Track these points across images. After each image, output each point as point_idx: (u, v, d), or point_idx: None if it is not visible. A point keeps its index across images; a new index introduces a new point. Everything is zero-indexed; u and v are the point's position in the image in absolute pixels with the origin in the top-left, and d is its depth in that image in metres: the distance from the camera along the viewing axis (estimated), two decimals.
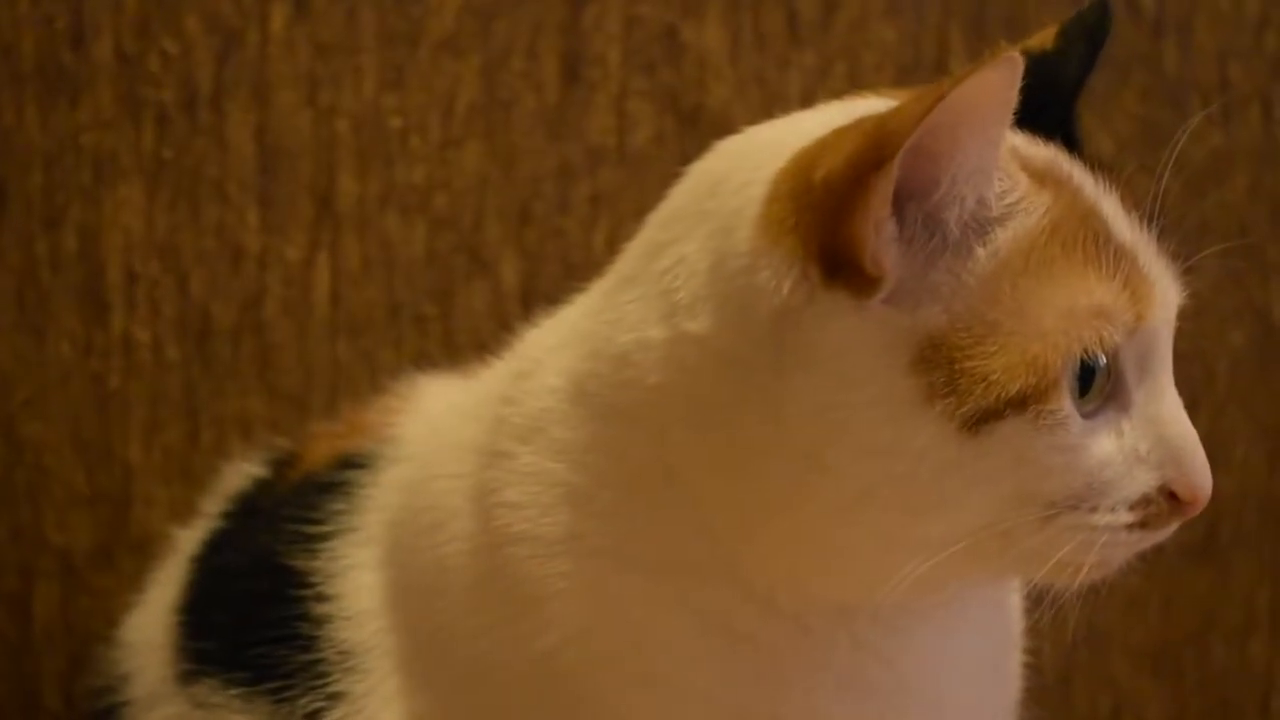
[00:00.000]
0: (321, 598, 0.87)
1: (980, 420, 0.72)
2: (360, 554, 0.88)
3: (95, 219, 1.13)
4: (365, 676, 0.86)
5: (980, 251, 0.74)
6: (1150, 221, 0.79)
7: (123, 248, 1.14)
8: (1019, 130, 0.78)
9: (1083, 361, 0.72)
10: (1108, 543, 0.75)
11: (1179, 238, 0.78)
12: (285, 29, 1.14)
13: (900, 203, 0.71)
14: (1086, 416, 0.73)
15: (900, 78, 1.21)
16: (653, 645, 0.81)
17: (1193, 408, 1.15)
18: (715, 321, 0.77)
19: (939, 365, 0.73)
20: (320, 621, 0.86)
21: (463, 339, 1.18)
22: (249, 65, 1.13)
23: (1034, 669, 1.21)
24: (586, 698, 0.82)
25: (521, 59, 1.17)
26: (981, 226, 0.74)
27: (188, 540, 0.95)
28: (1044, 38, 0.83)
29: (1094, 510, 0.74)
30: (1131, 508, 0.74)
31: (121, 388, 1.14)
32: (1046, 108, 0.80)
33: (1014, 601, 0.87)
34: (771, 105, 1.14)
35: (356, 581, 0.87)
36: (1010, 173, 0.75)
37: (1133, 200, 0.78)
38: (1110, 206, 0.77)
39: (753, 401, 0.76)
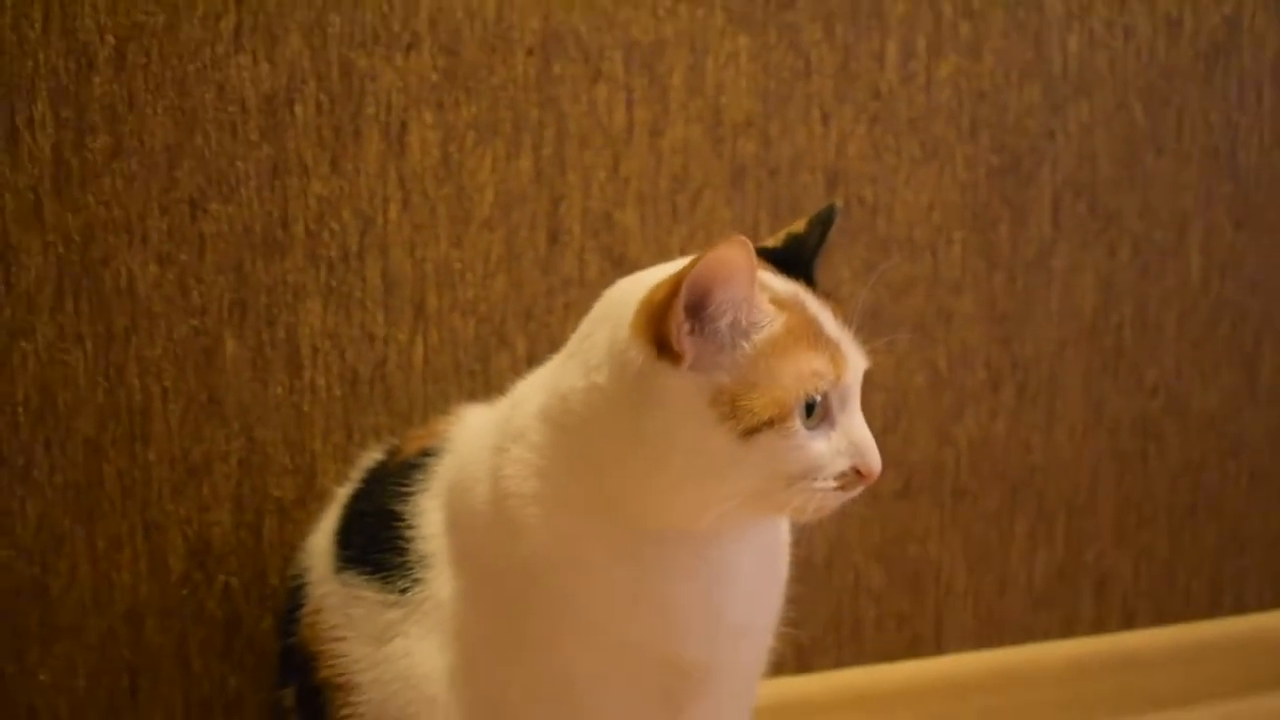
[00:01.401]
0: (411, 526, 1.03)
1: (749, 433, 0.87)
2: (431, 503, 1.03)
3: (294, 320, 1.30)
4: (431, 569, 1.01)
5: (745, 345, 0.89)
6: (850, 323, 0.94)
7: (309, 335, 1.31)
8: (778, 273, 0.93)
9: (808, 400, 0.88)
10: (824, 498, 0.90)
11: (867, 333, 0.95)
12: (397, 216, 1.32)
13: (695, 315, 0.87)
14: (810, 429, 0.88)
15: None
16: (583, 554, 0.94)
17: (897, 416, 1.40)
18: (609, 377, 0.91)
19: (725, 403, 0.88)
20: (409, 539, 1.02)
21: (495, 385, 1.28)
22: (377, 235, 1.32)
23: (809, 561, 1.43)
24: (547, 584, 0.95)
25: (527, 230, 1.36)
26: (743, 332, 0.89)
27: (341, 493, 1.14)
28: (798, 224, 1.00)
29: (814, 480, 0.89)
30: (835, 479, 0.90)
31: (309, 411, 1.32)
32: (798, 261, 0.97)
33: (783, 528, 1.03)
34: (663, 256, 1.32)
35: (429, 518, 1.02)
36: (761, 303, 0.89)
37: (842, 311, 0.94)
38: (825, 316, 0.92)
39: (626, 423, 0.90)
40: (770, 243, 1.00)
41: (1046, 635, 1.62)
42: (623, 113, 1.39)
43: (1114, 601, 1.66)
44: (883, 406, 1.52)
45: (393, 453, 1.13)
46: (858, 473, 0.90)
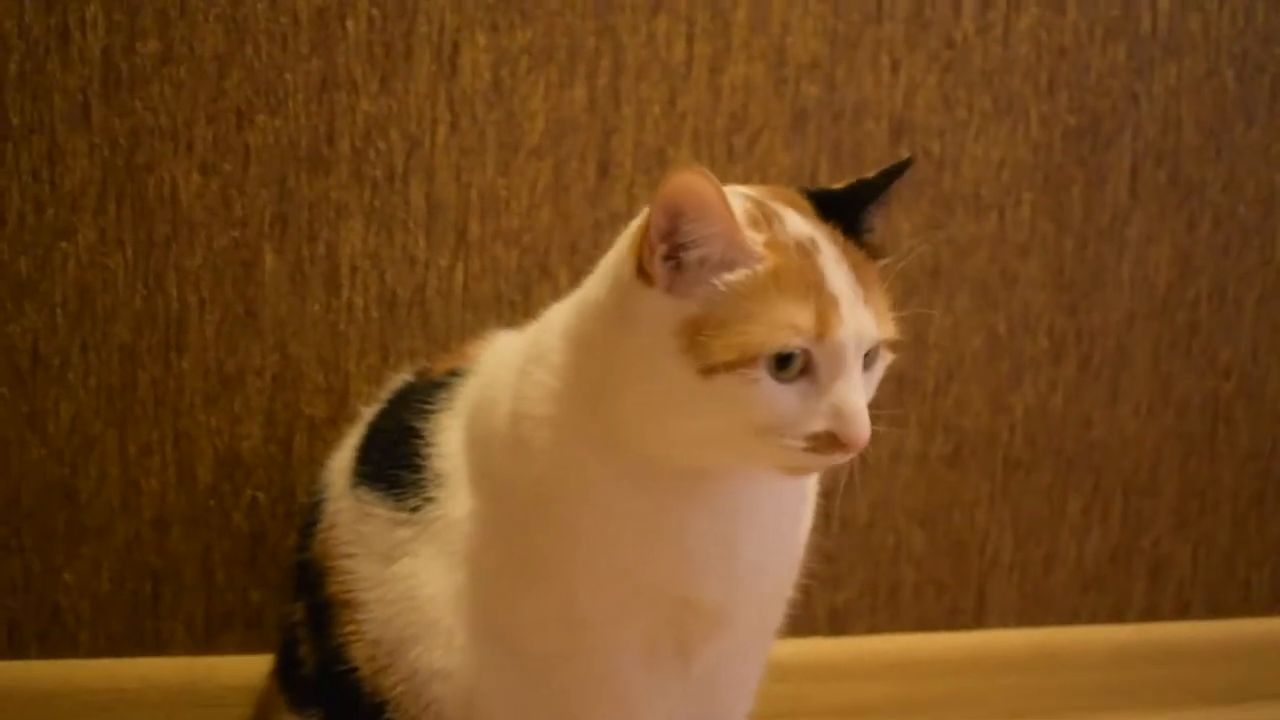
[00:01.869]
0: (429, 444, 1.01)
1: (707, 371, 0.85)
2: (452, 421, 1.02)
3: (335, 238, 1.30)
4: (446, 488, 1.00)
5: (717, 281, 0.86)
6: (882, 285, 0.89)
7: (349, 254, 1.30)
8: (815, 216, 0.90)
9: (780, 351, 0.84)
10: (794, 457, 0.86)
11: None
12: (445, 138, 1.31)
13: (668, 241, 0.86)
14: (783, 383, 0.85)
15: (791, 183, 1.24)
16: (591, 483, 0.93)
17: (950, 379, 1.37)
18: (607, 291, 0.92)
19: (688, 335, 0.86)
20: (426, 456, 1.01)
21: (534, 316, 1.19)
22: (423, 157, 1.31)
23: (849, 519, 1.41)
24: (558, 512, 0.95)
25: (576, 161, 1.34)
26: (715, 268, 0.86)
27: (367, 413, 1.12)
28: (847, 182, 0.96)
29: (781, 436, 0.86)
30: (807, 440, 0.86)
31: (345, 330, 1.31)
32: (848, 206, 0.92)
33: (809, 481, 1.00)
34: None
35: (448, 435, 1.02)
36: (741, 241, 0.85)
37: (874, 271, 0.89)
38: (836, 270, 0.87)
39: (613, 340, 0.90)
40: (836, 186, 0.97)
41: (1093, 618, 1.57)
42: (683, 46, 1.35)
43: (1168, 589, 1.61)
44: (936, 367, 1.47)
45: (422, 374, 1.13)
46: (835, 439, 0.86)
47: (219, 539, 1.32)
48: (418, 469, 1.01)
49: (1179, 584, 1.61)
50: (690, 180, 0.84)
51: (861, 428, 0.85)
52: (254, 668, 1.28)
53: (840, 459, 0.87)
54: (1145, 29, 1.47)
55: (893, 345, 0.91)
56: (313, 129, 1.28)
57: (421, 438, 1.02)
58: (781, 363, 0.85)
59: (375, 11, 1.28)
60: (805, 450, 0.86)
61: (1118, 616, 1.59)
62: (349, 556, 1.02)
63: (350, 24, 1.27)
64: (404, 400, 1.09)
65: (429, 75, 1.30)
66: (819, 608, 1.47)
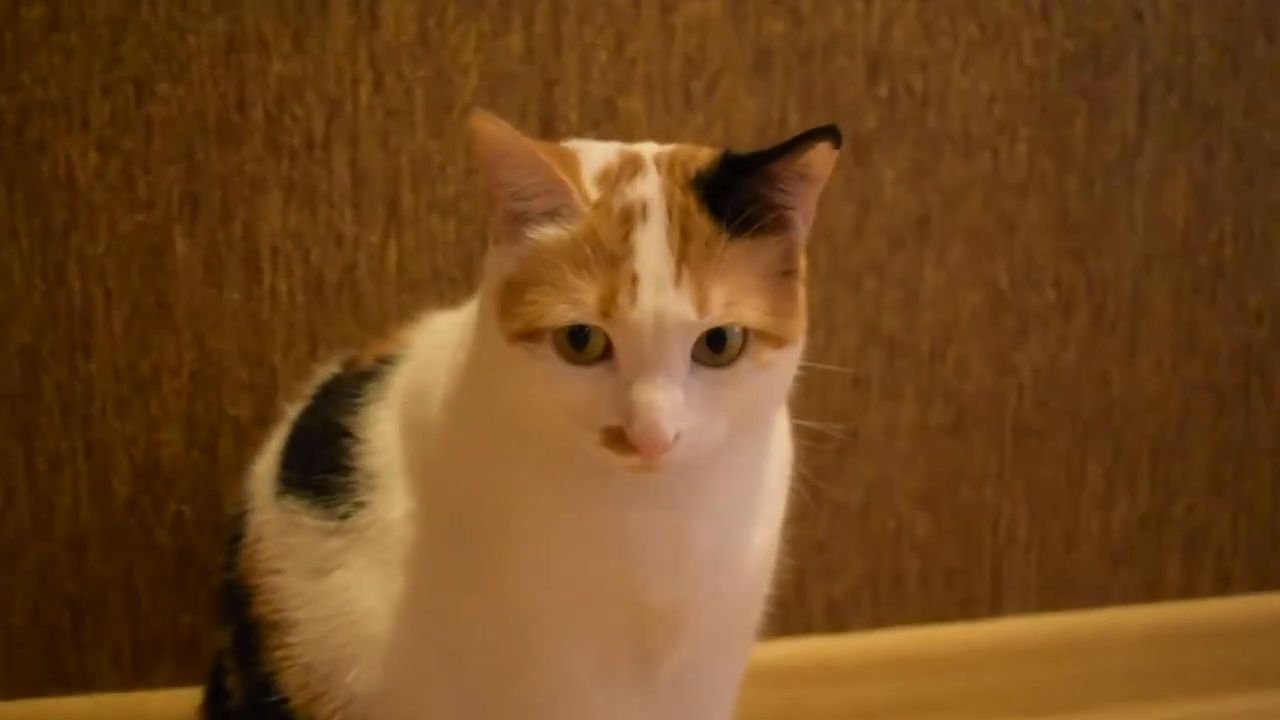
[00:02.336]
0: (359, 441, 0.97)
1: (511, 339, 0.82)
2: (383, 413, 0.98)
3: (252, 217, 1.24)
4: (380, 489, 0.96)
5: (527, 237, 0.82)
6: (687, 265, 0.79)
7: (269, 234, 1.24)
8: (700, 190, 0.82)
9: (569, 325, 0.80)
10: (595, 451, 0.81)
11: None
12: (368, 100, 1.24)
13: (498, 194, 0.83)
14: (576, 364, 0.81)
15: (756, 133, 1.31)
16: (517, 472, 0.88)
17: (947, 340, 1.32)
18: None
19: (502, 295, 0.83)
20: (356, 456, 0.97)
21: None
22: (346, 122, 1.24)
23: (842, 504, 1.35)
24: (494, 506, 0.91)
25: (515, 119, 1.26)
26: (521, 221, 0.83)
27: (291, 411, 1.07)
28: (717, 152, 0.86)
29: (577, 425, 0.82)
30: (602, 433, 0.81)
31: (269, 319, 1.26)
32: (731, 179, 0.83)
33: (776, 452, 0.94)
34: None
35: (379, 430, 0.97)
36: (549, 193, 0.81)
37: (714, 249, 0.80)
38: (651, 243, 0.80)
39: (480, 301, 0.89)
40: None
41: (1124, 599, 1.50)
42: None
43: (1206, 562, 1.53)
44: (930, 328, 1.39)
45: (349, 364, 1.08)
46: (625, 439, 0.80)
47: (142, 559, 1.26)
48: (346, 471, 0.97)
49: (1218, 555, 1.54)
50: (480, 126, 0.81)
51: (650, 428, 0.78)
52: (189, 701, 1.21)
53: (636, 463, 0.80)
54: None
55: (774, 339, 0.82)
56: (220, 96, 1.21)
57: (350, 435, 0.98)
58: (575, 341, 0.81)
59: None
60: (601, 445, 0.81)
61: (1151, 595, 1.51)
62: (276, 573, 0.98)
63: None
64: (330, 395, 1.05)
65: (347, 29, 1.22)
66: (814, 602, 1.40)
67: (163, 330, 1.23)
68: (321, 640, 0.94)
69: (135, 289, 1.22)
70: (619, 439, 0.80)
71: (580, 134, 1.25)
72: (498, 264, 0.86)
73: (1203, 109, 1.44)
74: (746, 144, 1.28)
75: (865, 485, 1.40)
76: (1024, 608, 1.48)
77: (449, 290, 1.27)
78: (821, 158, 0.82)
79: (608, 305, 0.79)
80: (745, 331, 0.81)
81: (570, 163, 0.85)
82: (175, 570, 1.27)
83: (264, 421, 1.22)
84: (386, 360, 1.02)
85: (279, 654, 0.96)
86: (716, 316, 0.80)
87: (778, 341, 0.83)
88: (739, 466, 0.90)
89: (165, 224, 1.22)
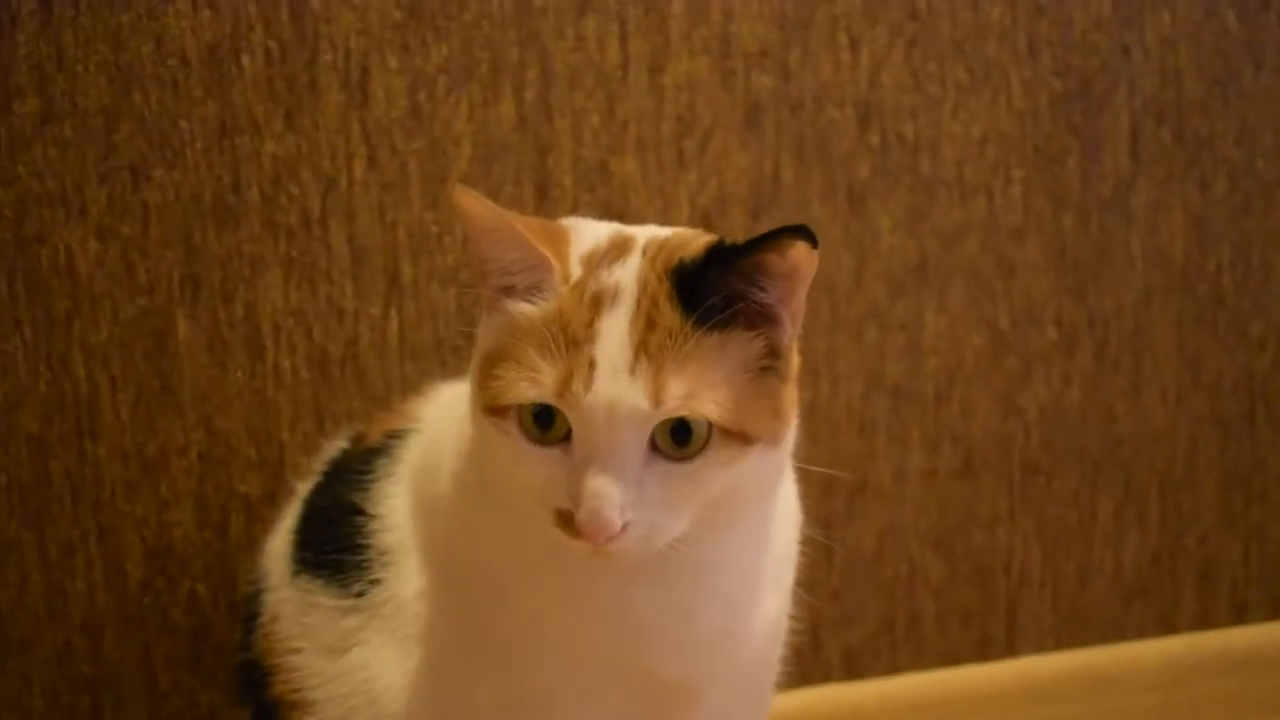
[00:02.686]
0: (370, 518, 0.98)
1: (483, 412, 0.84)
2: (395, 489, 0.99)
3: (253, 296, 1.25)
4: (393, 566, 0.96)
5: (505, 310, 0.84)
6: (646, 354, 0.79)
7: (271, 312, 1.25)
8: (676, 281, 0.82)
9: (520, 403, 0.81)
10: (550, 531, 0.82)
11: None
12: (363, 174, 1.25)
13: (485, 269, 0.85)
14: (538, 444, 0.81)
15: (750, 188, 1.32)
16: (526, 550, 0.89)
17: (951, 383, 1.33)
18: None
19: (481, 367, 0.85)
20: (369, 533, 0.97)
21: None
22: (341, 198, 1.25)
23: (855, 551, 1.36)
24: (506, 583, 0.91)
25: (511, 186, 1.28)
26: (503, 294, 0.84)
27: (302, 488, 1.08)
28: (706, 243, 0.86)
29: (534, 503, 0.83)
30: (554, 514, 0.81)
31: (275, 397, 1.27)
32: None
33: (782, 520, 0.94)
34: (668, 209, 1.30)
35: (391, 506, 0.98)
36: (542, 266, 0.82)
37: (676, 341, 0.79)
38: (614, 330, 0.80)
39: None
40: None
41: (1140, 632, 1.50)
42: (616, 47, 1.28)
43: (1221, 592, 1.53)
44: (935, 373, 1.40)
45: (357, 439, 1.09)
46: (572, 521, 0.80)
47: (158, 639, 1.27)
48: (360, 549, 0.97)
49: (1232, 585, 1.54)
50: (462, 202, 0.83)
51: (593, 516, 0.79)
52: None
53: (583, 548, 0.80)
54: None
55: (739, 435, 0.81)
56: (216, 179, 1.22)
57: (361, 513, 0.98)
58: (539, 421, 0.81)
59: (272, 43, 1.22)
60: (554, 526, 0.82)
61: (1168, 627, 1.52)
62: (295, 652, 0.98)
63: (245, 60, 1.21)
64: (339, 472, 1.05)
65: (338, 107, 1.24)
66: (830, 651, 1.40)
67: (169, 412, 1.24)
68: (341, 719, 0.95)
69: (140, 373, 1.23)
70: (569, 522, 0.80)
71: (575, 198, 1.29)
72: (481, 335, 0.87)
73: (1195, 141, 1.45)
74: (741, 198, 1.32)
75: (877, 531, 1.41)
76: (1041, 646, 1.48)
77: (452, 359, 1.28)
78: (804, 256, 0.81)
79: (564, 388, 0.79)
80: (710, 426, 0.80)
81: (559, 240, 0.86)
82: (192, 649, 1.27)
83: (273, 498, 1.25)
84: (395, 435, 1.02)
85: None
86: (671, 408, 0.79)
87: (744, 438, 0.81)
88: (743, 541, 0.90)
89: (167, 307, 1.23)
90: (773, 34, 1.31)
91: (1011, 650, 1.47)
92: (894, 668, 1.44)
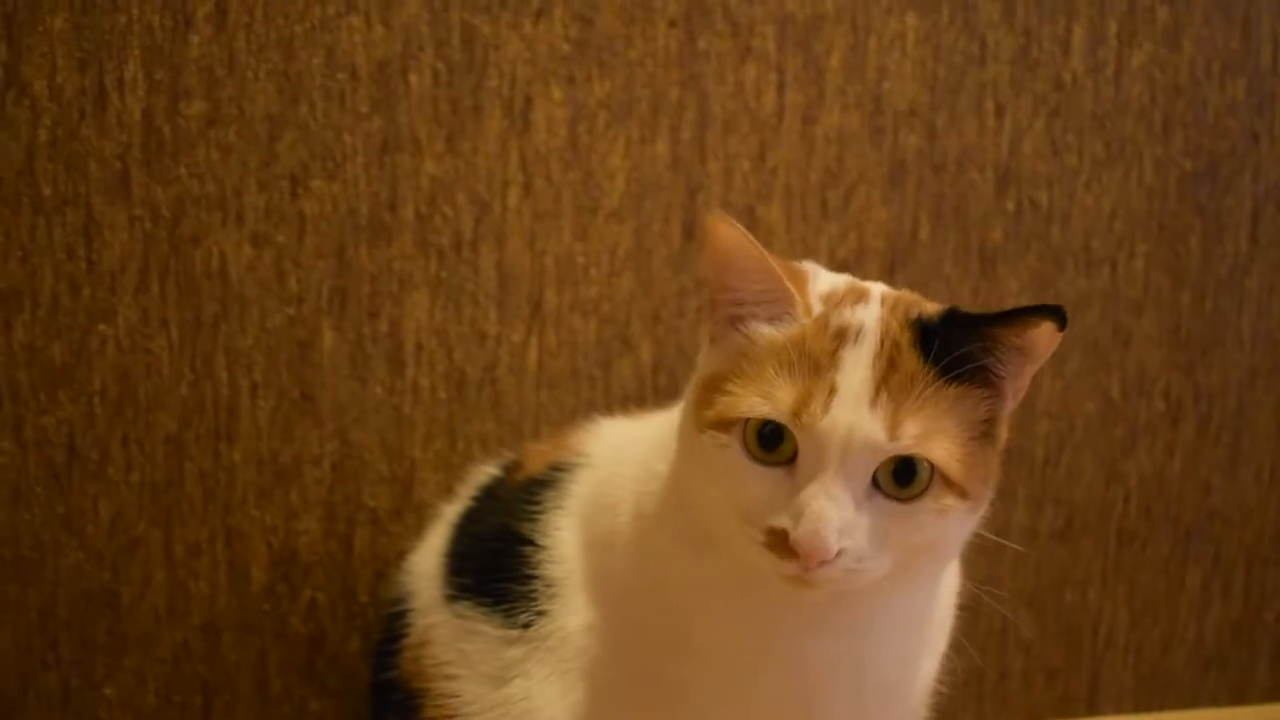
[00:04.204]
0: (538, 549, 1.01)
1: (701, 426, 0.88)
2: (564, 521, 1.02)
3: (399, 313, 1.30)
4: (561, 598, 1.00)
5: (738, 335, 0.88)
6: (887, 391, 0.84)
7: (414, 330, 1.30)
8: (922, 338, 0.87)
9: (760, 421, 0.85)
10: (753, 551, 0.85)
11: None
12: (517, 202, 1.31)
13: (722, 298, 0.89)
14: (759, 462, 0.85)
15: (888, 242, 1.38)
16: (707, 592, 0.93)
17: (1060, 447, 1.37)
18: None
19: (702, 387, 0.90)
20: (536, 564, 1.01)
21: (615, 393, 1.34)
22: (494, 223, 1.31)
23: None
24: (678, 623, 0.95)
25: (660, 224, 1.34)
26: (739, 320, 0.89)
27: (449, 511, 1.13)
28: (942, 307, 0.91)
29: (744, 522, 0.86)
30: (766, 534, 0.84)
31: (411, 413, 1.32)
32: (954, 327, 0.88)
33: (944, 584, 1.00)
34: (808, 256, 1.26)
35: (560, 539, 1.01)
36: (774, 298, 0.87)
37: (912, 384, 0.84)
38: (855, 364, 0.85)
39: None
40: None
41: (1215, 700, 1.57)
42: (773, 95, 1.35)
43: None
44: (1046, 436, 1.47)
45: (511, 468, 1.13)
46: (788, 543, 0.83)
47: (274, 645, 1.32)
48: (527, 580, 1.01)
49: None
50: (717, 228, 0.87)
51: (814, 535, 0.82)
52: None
53: (792, 570, 0.84)
54: (1265, 63, 1.47)
55: (958, 488, 0.86)
56: (373, 194, 1.27)
57: (530, 543, 1.02)
58: (764, 441, 0.85)
59: (441, 65, 1.27)
60: (763, 545, 0.85)
61: (1240, 698, 1.59)
62: (450, 678, 1.01)
63: (414, 79, 1.26)
64: (499, 500, 1.09)
65: (499, 133, 1.29)
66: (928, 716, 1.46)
67: (306, 421, 1.29)
68: None
69: (281, 380, 1.28)
70: (781, 542, 0.83)
71: None
72: (707, 360, 0.91)
73: None
74: (879, 252, 1.38)
75: (975, 585, 1.46)
76: (1120, 707, 1.54)
77: (586, 389, 1.34)
78: (1045, 337, 0.86)
79: (800, 409, 0.83)
80: (932, 471, 0.84)
81: (800, 278, 0.91)
82: (306, 657, 1.32)
83: (400, 513, 1.31)
84: (561, 467, 1.06)
85: None
86: (905, 445, 0.83)
87: (961, 492, 0.85)
88: (916, 600, 0.95)
89: (313, 318, 1.28)
90: (922, 95, 1.38)
91: (1092, 710, 1.53)
92: (981, 718, 1.50)
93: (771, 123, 1.35)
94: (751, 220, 1.35)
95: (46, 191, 1.20)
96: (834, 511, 0.82)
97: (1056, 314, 0.86)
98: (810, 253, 1.35)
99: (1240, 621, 1.58)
